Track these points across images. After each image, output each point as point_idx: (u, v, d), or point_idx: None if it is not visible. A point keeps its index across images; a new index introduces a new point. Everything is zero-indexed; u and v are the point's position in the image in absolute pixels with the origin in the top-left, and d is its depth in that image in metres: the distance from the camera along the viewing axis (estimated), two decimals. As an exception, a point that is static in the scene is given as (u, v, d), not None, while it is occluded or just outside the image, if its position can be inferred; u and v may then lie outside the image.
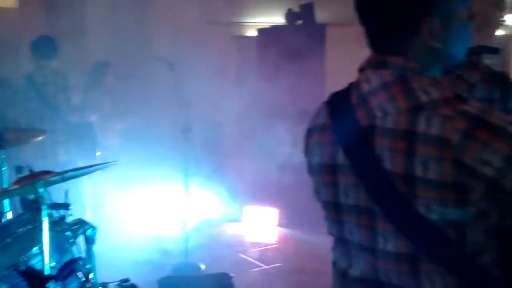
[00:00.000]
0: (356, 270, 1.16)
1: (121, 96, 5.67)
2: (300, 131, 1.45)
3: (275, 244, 5.71)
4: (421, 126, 1.03)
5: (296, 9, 6.90)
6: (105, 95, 5.35)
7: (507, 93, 2.34)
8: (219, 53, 6.54)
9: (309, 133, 1.28)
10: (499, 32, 9.25)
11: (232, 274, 3.68)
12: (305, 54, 5.83)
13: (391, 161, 1.06)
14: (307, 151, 1.28)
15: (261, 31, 7.04)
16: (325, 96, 1.29)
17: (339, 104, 1.19)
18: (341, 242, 1.22)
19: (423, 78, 1.10)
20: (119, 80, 5.75)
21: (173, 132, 4.78)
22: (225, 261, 4.86)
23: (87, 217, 3.64)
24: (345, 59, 3.86)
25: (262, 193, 5.93)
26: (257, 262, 5.21)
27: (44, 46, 4.61)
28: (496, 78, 2.38)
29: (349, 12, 1.28)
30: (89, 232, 2.77)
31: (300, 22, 6.74)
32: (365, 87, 1.13)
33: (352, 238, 1.17)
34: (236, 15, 11.08)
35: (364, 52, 1.22)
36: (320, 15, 6.35)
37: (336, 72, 4.71)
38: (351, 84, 1.20)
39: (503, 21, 8.30)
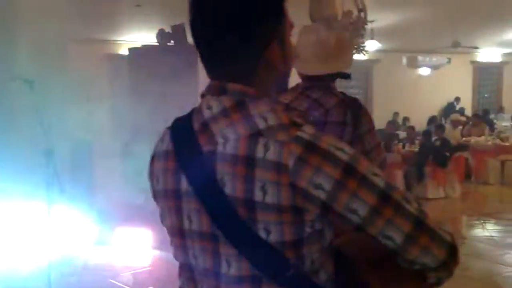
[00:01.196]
0: None
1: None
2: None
3: (148, 267, 5.60)
4: (259, 151, 1.04)
5: (167, 29, 6.94)
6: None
7: (357, 118, 2.49)
8: (89, 71, 6.37)
9: (153, 159, 1.26)
10: (362, 57, 9.77)
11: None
12: (177, 74, 5.85)
13: (231, 186, 1.06)
14: (152, 177, 1.26)
15: (132, 50, 6.97)
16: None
17: (182, 130, 1.18)
18: (186, 267, 1.21)
19: (261, 104, 1.12)
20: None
21: (34, 154, 4.52)
22: None
23: None
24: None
25: (134, 214, 5.80)
26: (126, 286, 5.08)
27: None
28: (348, 104, 2.53)
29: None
30: None
31: (171, 42, 6.78)
32: (207, 113, 1.14)
33: (196, 263, 1.16)
34: (109, 33, 10.93)
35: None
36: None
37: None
38: (193, 110, 1.20)
39: (364, 47, 8.83)
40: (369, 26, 8.98)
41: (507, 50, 17.47)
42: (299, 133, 1.06)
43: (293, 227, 1.06)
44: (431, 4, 11.37)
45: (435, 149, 9.75)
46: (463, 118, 14.46)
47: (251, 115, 1.10)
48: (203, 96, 1.18)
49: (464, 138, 11.70)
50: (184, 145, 1.16)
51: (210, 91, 1.16)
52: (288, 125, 1.09)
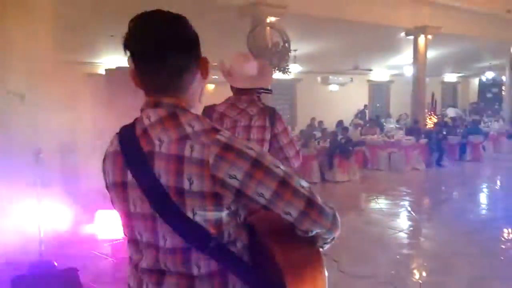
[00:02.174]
0: (144, 262, 1.15)
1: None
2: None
3: (122, 239, 5.42)
4: (187, 151, 1.05)
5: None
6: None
7: (273, 122, 2.49)
8: (73, 87, 6.15)
9: (105, 158, 1.23)
10: (288, 77, 9.77)
11: (77, 268, 3.37)
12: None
13: (166, 178, 1.06)
14: (104, 172, 1.23)
15: (108, 70, 6.71)
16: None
17: (127, 135, 1.16)
18: (133, 241, 1.19)
19: (189, 114, 1.12)
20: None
21: (25, 154, 4.29)
22: (77, 258, 4.47)
23: None
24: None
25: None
26: (105, 256, 4.91)
27: None
28: (267, 111, 2.53)
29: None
30: None
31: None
32: (146, 122, 1.12)
33: (141, 238, 1.15)
34: (89, 57, 10.59)
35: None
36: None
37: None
38: (136, 120, 1.17)
39: (289, 69, 8.80)
40: (292, 53, 9.08)
41: (393, 72, 18.09)
42: (218, 136, 1.06)
43: (214, 208, 1.06)
44: (338, 37, 11.64)
45: (341, 145, 9.94)
46: (361, 122, 14.86)
47: (181, 122, 1.09)
48: (142, 110, 1.16)
49: (362, 136, 11.99)
50: (129, 147, 1.14)
51: (148, 105, 1.14)
52: (210, 130, 1.09)
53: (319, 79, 16.79)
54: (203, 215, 1.05)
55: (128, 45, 1.10)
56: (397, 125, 15.22)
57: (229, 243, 1.10)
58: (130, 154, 1.12)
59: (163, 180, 1.06)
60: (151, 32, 1.08)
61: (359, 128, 12.95)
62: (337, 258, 4.64)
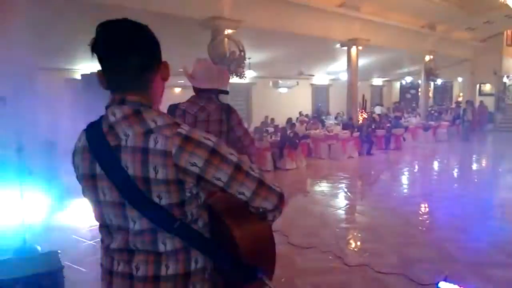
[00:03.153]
0: (115, 244, 1.10)
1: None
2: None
3: (100, 224, 5.24)
4: (151, 143, 1.02)
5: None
6: None
7: (229, 116, 2.49)
8: (52, 91, 5.84)
9: (74, 153, 1.16)
10: (244, 81, 9.74)
11: (59, 251, 3.21)
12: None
13: (133, 169, 1.02)
14: (74, 166, 1.16)
15: (83, 75, 6.43)
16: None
17: (94, 131, 1.09)
18: (104, 226, 1.14)
19: (152, 111, 1.08)
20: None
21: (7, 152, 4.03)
22: (58, 242, 4.27)
23: None
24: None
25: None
26: (83, 239, 4.72)
27: None
28: (223, 107, 2.51)
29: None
30: None
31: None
32: (112, 118, 1.07)
33: (111, 223, 1.10)
34: (67, 63, 10.08)
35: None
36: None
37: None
38: (101, 117, 1.11)
39: (244, 74, 8.73)
40: (247, 61, 9.06)
41: (331, 77, 18.44)
42: (179, 130, 1.04)
43: (177, 193, 1.04)
44: (286, 48, 11.73)
45: (289, 138, 10.05)
46: (306, 118, 15.08)
47: (144, 118, 1.05)
48: (108, 107, 1.10)
49: (307, 131, 12.16)
50: (96, 142, 1.08)
51: (113, 103, 1.08)
52: (171, 124, 1.05)
53: (270, 83, 16.85)
54: (168, 199, 1.03)
55: (95, 48, 1.05)
56: (335, 121, 15.54)
57: (192, 222, 1.08)
58: (98, 149, 1.07)
59: (130, 171, 1.02)
60: (115, 36, 1.04)
61: (304, 124, 13.13)
62: (287, 233, 4.70)
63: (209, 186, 1.06)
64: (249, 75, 11.63)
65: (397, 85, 23.88)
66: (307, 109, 18.00)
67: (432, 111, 18.44)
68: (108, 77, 1.08)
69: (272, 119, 14.37)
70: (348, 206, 6.36)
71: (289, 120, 13.19)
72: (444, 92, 23.72)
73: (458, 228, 4.92)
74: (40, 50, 5.71)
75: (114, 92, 1.09)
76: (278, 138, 10.14)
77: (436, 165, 10.64)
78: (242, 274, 1.04)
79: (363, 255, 4.12)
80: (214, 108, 2.49)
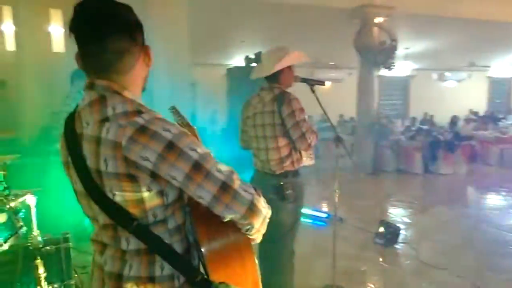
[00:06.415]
0: (93, 234, 1.09)
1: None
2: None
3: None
4: (104, 133, 0.94)
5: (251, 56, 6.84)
6: None
7: (280, 107, 2.33)
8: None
9: (60, 140, 1.14)
10: (401, 74, 8.90)
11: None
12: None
13: (89, 160, 0.97)
14: (61, 153, 1.15)
15: (228, 69, 6.92)
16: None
17: (69, 118, 1.06)
18: (85, 216, 1.13)
19: (116, 97, 0.98)
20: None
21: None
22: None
23: None
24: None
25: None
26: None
27: None
28: (277, 98, 2.36)
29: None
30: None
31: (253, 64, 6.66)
32: (81, 104, 1.03)
33: (88, 214, 1.08)
34: (215, 58, 11.02)
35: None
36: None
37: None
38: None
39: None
40: (404, 51, 8.27)
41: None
42: (136, 118, 0.94)
43: (131, 189, 0.95)
44: (452, 35, 10.20)
45: (445, 139, 8.78)
46: (474, 117, 12.92)
47: (106, 105, 0.98)
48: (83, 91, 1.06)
49: (474, 132, 10.42)
50: (68, 129, 1.04)
51: (86, 87, 1.03)
52: (131, 112, 0.96)
53: (434, 75, 15.07)
54: (122, 195, 0.95)
55: (71, 28, 0.99)
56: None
57: (154, 224, 0.98)
58: (69, 136, 1.03)
59: (88, 161, 0.97)
60: (91, 16, 0.97)
61: (472, 123, 11.32)
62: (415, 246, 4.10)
63: (166, 184, 0.95)
64: (407, 67, 10.63)
65: None
66: (481, 107, 15.41)
67: None
68: (84, 59, 1.01)
69: (431, 116, 12.85)
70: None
71: (454, 119, 11.56)
72: None
73: None
74: (193, 45, 6.30)
75: (87, 75, 1.03)
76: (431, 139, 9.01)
77: None
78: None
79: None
80: (269, 98, 2.38)
